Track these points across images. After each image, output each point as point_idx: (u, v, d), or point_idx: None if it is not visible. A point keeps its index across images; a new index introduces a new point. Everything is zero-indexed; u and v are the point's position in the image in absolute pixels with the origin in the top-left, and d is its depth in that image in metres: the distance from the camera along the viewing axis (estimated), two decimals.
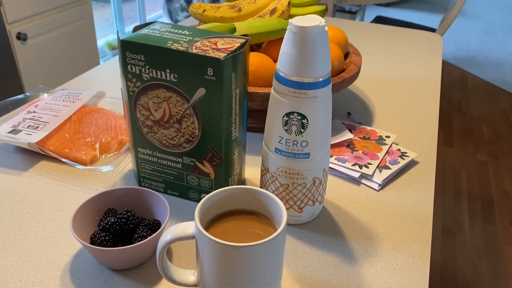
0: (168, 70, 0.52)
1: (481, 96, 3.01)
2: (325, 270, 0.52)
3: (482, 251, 1.78)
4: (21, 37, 1.85)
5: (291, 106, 0.50)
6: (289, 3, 0.79)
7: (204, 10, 0.83)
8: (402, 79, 1.02)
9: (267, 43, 0.77)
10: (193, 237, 0.43)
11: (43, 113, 0.72)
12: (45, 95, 0.80)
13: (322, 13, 0.87)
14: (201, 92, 0.52)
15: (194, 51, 0.51)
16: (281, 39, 0.76)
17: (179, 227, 0.44)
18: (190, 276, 0.47)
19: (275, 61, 0.75)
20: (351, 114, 0.84)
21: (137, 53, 0.53)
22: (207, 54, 0.50)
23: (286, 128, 0.52)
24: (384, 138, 0.75)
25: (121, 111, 0.78)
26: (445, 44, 3.81)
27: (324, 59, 0.49)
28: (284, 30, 0.74)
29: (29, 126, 0.69)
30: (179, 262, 0.52)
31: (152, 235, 0.50)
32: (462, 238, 1.84)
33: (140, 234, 0.50)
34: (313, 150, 0.53)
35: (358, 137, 0.75)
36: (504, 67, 3.39)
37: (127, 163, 0.68)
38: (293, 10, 0.86)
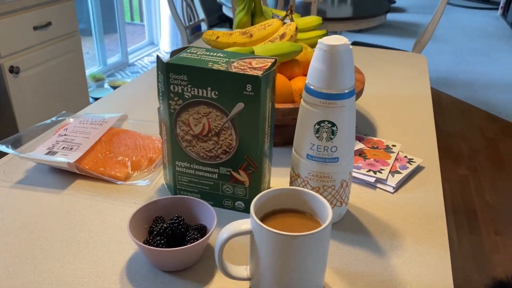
0: (209, 88, 0.58)
1: (456, 114, 3.16)
2: (359, 263, 0.58)
3: (472, 261, 1.85)
4: (14, 70, 1.88)
5: (322, 115, 0.57)
6: (296, 28, 0.87)
7: (218, 37, 0.90)
8: (394, 95, 1.10)
9: (280, 64, 0.84)
10: (249, 232, 0.48)
11: (74, 135, 0.76)
12: (71, 119, 0.84)
13: (323, 36, 0.95)
14: (239, 106, 0.58)
15: (234, 70, 0.57)
16: (293, 60, 0.83)
17: (234, 225, 0.49)
18: (243, 271, 0.51)
19: (289, 79, 0.82)
20: (356, 127, 0.91)
21: (180, 74, 0.58)
22: (246, 73, 0.56)
23: (317, 135, 0.58)
24: (391, 147, 0.82)
25: (146, 132, 0.83)
26: None
27: (350, 73, 0.56)
28: (295, 52, 0.81)
29: (63, 147, 0.73)
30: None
31: (202, 237, 0.55)
32: (451, 249, 1.92)
33: (191, 236, 0.55)
34: (341, 155, 0.59)
35: (368, 147, 0.82)
36: (474, 86, 3.57)
37: (159, 178, 0.73)
38: (299, 35, 0.94)
